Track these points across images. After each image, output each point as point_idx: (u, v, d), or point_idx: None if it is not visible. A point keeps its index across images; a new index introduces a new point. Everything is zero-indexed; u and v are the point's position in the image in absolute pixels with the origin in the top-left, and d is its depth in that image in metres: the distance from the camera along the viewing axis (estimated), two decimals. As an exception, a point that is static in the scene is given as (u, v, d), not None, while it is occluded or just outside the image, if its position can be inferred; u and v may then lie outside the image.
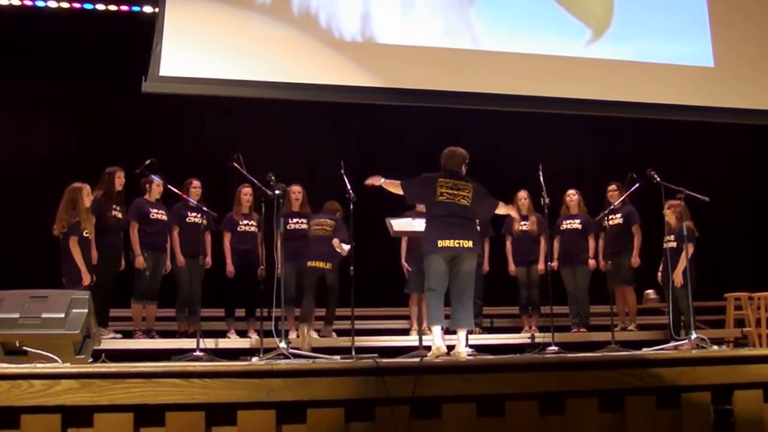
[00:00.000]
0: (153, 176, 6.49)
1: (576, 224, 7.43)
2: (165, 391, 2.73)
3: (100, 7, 8.61)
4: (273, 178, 5.57)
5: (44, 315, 3.79)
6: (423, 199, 5.61)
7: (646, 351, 5.60)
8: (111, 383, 2.70)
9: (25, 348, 3.68)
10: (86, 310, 3.91)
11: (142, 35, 7.61)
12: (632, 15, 8.50)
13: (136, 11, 8.62)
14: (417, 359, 3.14)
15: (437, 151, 5.61)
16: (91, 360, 4.11)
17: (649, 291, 7.73)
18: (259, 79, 7.59)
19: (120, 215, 6.62)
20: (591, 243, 7.40)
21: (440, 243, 5.22)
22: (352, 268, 6.19)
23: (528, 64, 8.10)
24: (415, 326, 6.67)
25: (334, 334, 6.88)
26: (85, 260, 5.99)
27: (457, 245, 5.22)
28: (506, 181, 7.69)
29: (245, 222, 7.02)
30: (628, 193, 6.87)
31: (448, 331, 5.53)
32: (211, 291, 6.79)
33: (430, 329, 5.45)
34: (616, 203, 7.13)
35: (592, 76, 8.23)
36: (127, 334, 6.68)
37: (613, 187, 7.39)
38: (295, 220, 7.02)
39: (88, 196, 6.18)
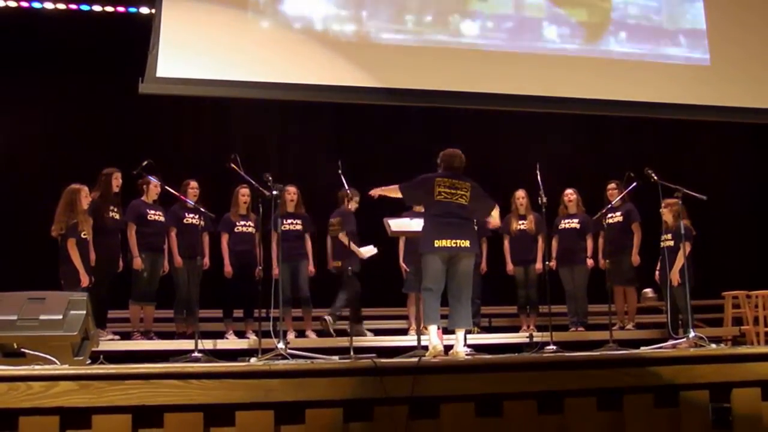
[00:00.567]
0: (150, 177, 6.48)
1: (574, 224, 7.44)
2: (163, 393, 2.72)
3: (97, 8, 8.59)
4: (270, 178, 5.57)
5: (42, 317, 3.79)
6: (421, 200, 5.61)
7: (644, 350, 5.61)
8: (109, 385, 2.70)
9: (23, 350, 3.68)
10: (84, 312, 3.91)
11: (139, 36, 7.60)
12: (628, 14, 8.51)
13: (132, 12, 8.60)
14: (415, 359, 3.14)
15: (436, 151, 5.61)
16: (89, 361, 4.11)
17: (647, 290, 7.75)
18: (255, 80, 7.58)
19: (117, 216, 6.61)
20: (589, 242, 7.41)
21: (437, 243, 5.22)
22: (350, 268, 6.20)
23: (525, 64, 8.10)
24: (414, 326, 6.67)
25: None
26: (84, 262, 5.98)
27: (454, 245, 5.22)
28: (504, 181, 7.71)
29: (242, 223, 7.01)
30: (626, 191, 6.87)
31: (446, 331, 5.53)
32: (209, 292, 6.80)
33: (426, 328, 5.45)
34: (614, 201, 7.14)
35: (590, 76, 8.23)
36: (126, 336, 6.67)
37: (612, 185, 7.39)
38: (290, 221, 7.01)
39: (86, 197, 6.17)
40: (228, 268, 6.90)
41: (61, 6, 8.51)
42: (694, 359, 3.19)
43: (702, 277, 6.92)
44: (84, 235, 6.06)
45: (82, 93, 8.50)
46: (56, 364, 3.54)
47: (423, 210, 5.61)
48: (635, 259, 7.28)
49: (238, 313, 6.99)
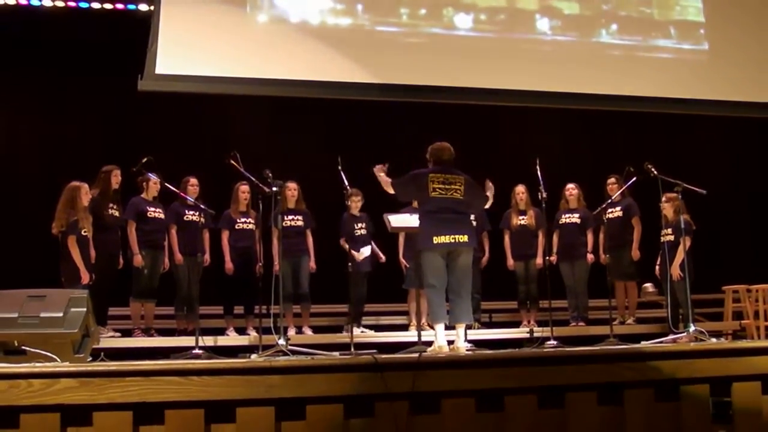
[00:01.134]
0: (150, 174, 6.48)
1: (575, 218, 7.43)
2: (164, 389, 2.72)
3: (96, 5, 8.59)
4: (270, 174, 5.56)
5: (43, 314, 3.78)
6: (415, 197, 5.59)
7: (644, 344, 5.62)
8: (110, 382, 2.70)
9: (23, 347, 3.67)
10: (85, 309, 3.90)
11: (138, 33, 7.60)
12: (626, 8, 8.49)
13: (131, 9, 8.60)
14: (416, 355, 3.14)
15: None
16: (90, 359, 4.11)
17: (648, 284, 7.75)
18: (255, 77, 7.57)
19: (117, 214, 6.61)
20: (590, 237, 7.41)
21: (435, 239, 5.22)
22: (350, 264, 6.20)
23: (522, 58, 8.09)
24: (414, 322, 6.68)
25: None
26: (84, 259, 5.98)
27: (452, 240, 5.22)
28: (504, 176, 7.70)
29: (243, 219, 7.01)
30: (626, 185, 6.87)
31: (446, 326, 5.54)
32: (209, 289, 6.80)
33: (432, 326, 5.45)
34: (615, 196, 7.12)
35: (587, 70, 8.21)
36: (126, 333, 6.68)
37: (612, 179, 7.38)
38: (290, 217, 7.00)
39: (86, 194, 6.17)
40: (229, 265, 6.89)
41: (60, 3, 8.51)
42: (695, 353, 3.19)
43: (702, 271, 6.93)
44: (84, 232, 6.06)
45: (82, 90, 8.50)
46: (57, 361, 3.54)
47: (418, 206, 5.59)
48: (635, 253, 7.28)
49: (239, 309, 7.00)
